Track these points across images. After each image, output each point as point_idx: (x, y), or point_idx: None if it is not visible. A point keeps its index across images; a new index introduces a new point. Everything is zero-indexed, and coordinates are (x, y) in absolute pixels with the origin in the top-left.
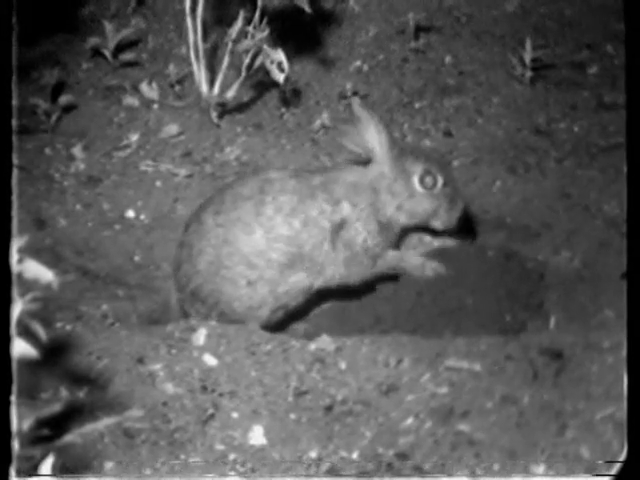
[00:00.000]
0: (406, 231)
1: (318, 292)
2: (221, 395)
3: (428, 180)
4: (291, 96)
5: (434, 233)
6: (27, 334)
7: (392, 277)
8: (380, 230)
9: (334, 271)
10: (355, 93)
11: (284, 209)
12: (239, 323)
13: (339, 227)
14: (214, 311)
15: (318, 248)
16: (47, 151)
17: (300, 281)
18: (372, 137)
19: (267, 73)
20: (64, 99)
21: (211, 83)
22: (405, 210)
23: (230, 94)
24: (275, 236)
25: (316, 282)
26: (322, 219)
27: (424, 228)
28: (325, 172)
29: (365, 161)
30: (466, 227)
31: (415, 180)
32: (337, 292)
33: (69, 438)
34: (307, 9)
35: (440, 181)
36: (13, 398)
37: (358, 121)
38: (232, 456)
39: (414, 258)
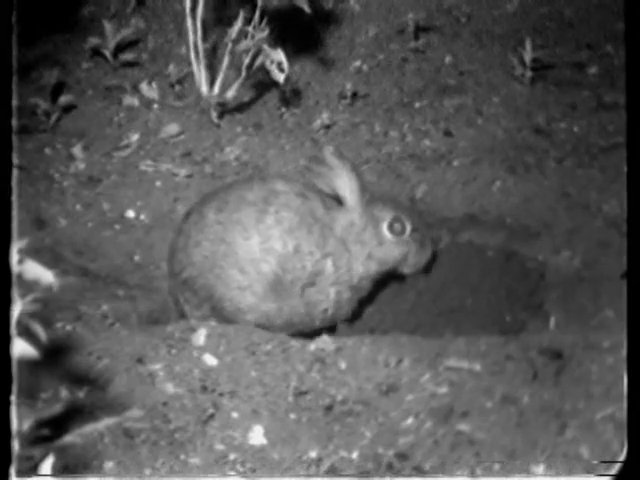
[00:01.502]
0: (377, 283)
1: None
2: (221, 395)
3: (397, 226)
4: (291, 96)
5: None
6: (27, 334)
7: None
8: (349, 299)
9: (294, 318)
10: (355, 93)
11: (284, 224)
12: (231, 322)
13: (313, 279)
14: (206, 304)
15: (293, 284)
16: (47, 151)
17: (274, 313)
18: (343, 185)
19: (267, 73)
20: (64, 99)
21: (211, 83)
22: (375, 258)
23: (230, 94)
24: (269, 247)
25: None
26: (308, 259)
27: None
28: (329, 207)
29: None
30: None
31: (384, 227)
32: None
33: (69, 438)
34: (306, 9)
35: (409, 227)
36: (13, 398)
37: (330, 168)
38: (232, 456)
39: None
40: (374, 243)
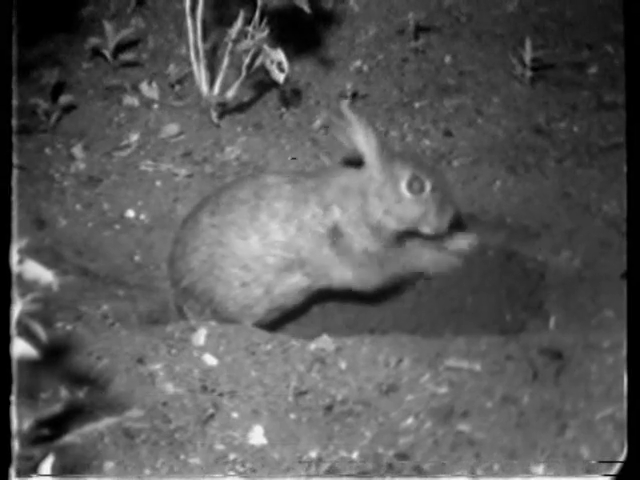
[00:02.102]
0: (401, 236)
1: (319, 292)
2: (221, 395)
3: (415, 185)
4: (291, 96)
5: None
6: (27, 334)
7: (413, 281)
8: (373, 233)
9: (341, 274)
10: (355, 93)
11: (279, 215)
12: (234, 322)
13: (334, 233)
14: (207, 308)
15: (317, 252)
16: (47, 151)
17: (298, 282)
18: (361, 140)
19: (267, 73)
20: (64, 99)
21: (211, 83)
22: (393, 215)
23: (230, 94)
24: (271, 242)
25: (318, 283)
26: (315, 223)
27: (416, 233)
28: (319, 175)
29: (359, 161)
30: (460, 230)
31: (403, 185)
32: (340, 294)
33: (69, 438)
34: (307, 9)
35: (428, 186)
36: (13, 398)
37: (348, 124)
38: (232, 456)
39: (430, 253)
40: (393, 200)
